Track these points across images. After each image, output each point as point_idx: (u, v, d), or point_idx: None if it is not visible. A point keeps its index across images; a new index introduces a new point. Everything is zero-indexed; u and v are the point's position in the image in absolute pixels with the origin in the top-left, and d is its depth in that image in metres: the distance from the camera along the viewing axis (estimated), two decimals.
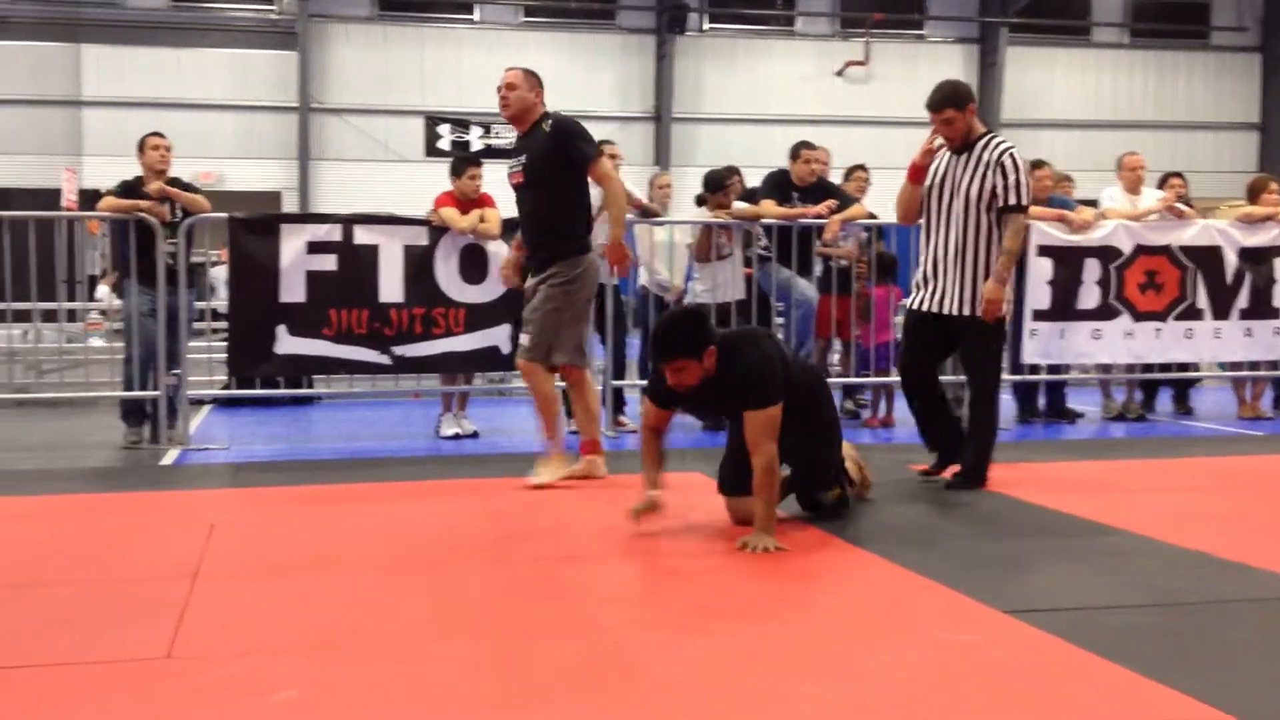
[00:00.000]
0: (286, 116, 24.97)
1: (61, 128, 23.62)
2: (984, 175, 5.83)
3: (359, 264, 7.66)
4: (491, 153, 24.06)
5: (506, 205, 8.10)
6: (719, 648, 3.40)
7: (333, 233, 7.68)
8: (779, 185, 8.70)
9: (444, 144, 25.07)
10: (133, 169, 7.97)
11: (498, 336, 7.86)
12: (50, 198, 17.12)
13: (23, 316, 10.05)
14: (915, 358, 6.18)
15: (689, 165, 23.62)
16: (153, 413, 7.72)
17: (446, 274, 7.79)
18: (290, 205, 24.34)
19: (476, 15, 25.70)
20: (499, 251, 7.78)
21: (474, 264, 7.83)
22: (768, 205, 8.56)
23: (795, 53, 26.06)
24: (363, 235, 7.70)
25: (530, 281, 6.23)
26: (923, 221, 6.13)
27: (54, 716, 2.91)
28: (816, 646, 3.45)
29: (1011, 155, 5.84)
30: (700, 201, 9.02)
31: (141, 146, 7.86)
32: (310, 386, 10.02)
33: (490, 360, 8.03)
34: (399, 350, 7.74)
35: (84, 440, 8.13)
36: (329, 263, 7.64)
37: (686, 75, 26.04)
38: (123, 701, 3.01)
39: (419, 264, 7.74)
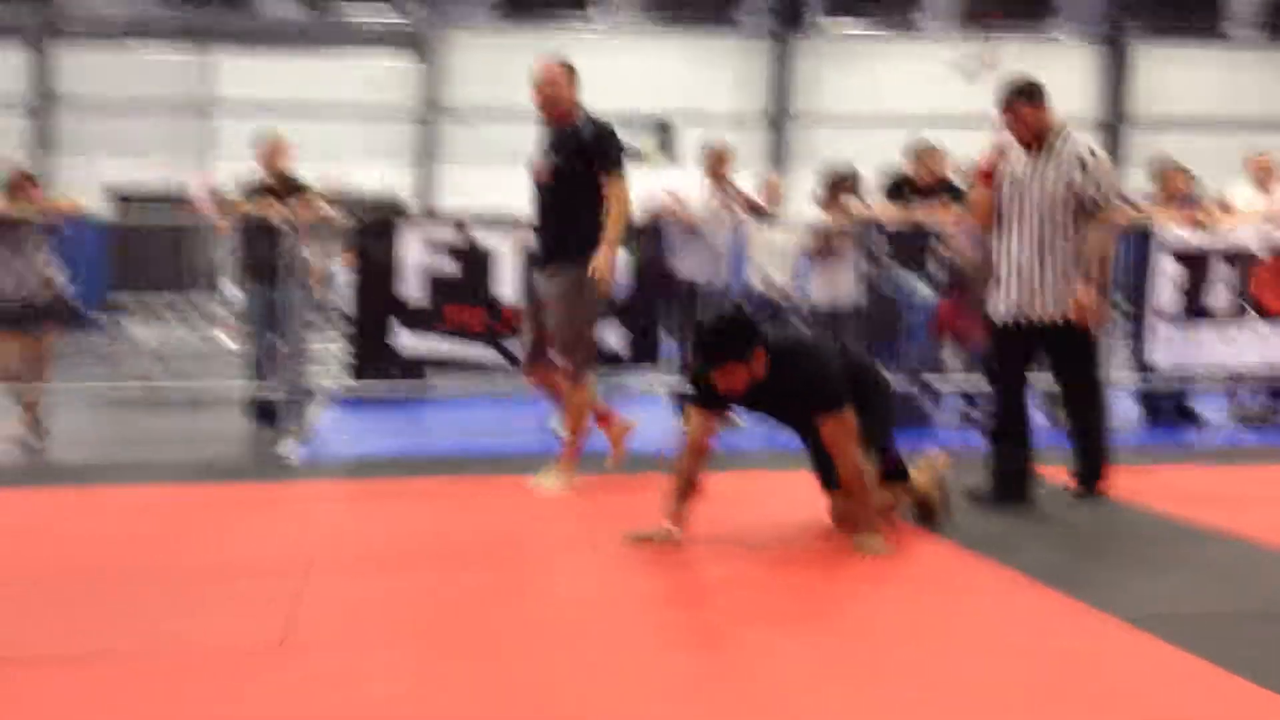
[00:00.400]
0: (411, 121, 25.44)
1: (197, 131, 24.35)
2: (1063, 173, 5.55)
3: (478, 265, 7.77)
4: None
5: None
6: (821, 651, 3.37)
7: (452, 234, 7.80)
8: (897, 186, 8.60)
9: None
10: (261, 172, 8.19)
11: (610, 334, 7.89)
12: (182, 201, 17.64)
13: (156, 314, 10.39)
14: (1006, 373, 5.80)
15: (807, 167, 23.47)
16: (276, 409, 7.92)
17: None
18: (413, 207, 24.77)
19: (595, 18, 25.87)
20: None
21: None
22: (885, 207, 8.47)
23: (916, 53, 25.73)
24: (483, 237, 7.81)
25: (543, 284, 6.03)
26: (997, 226, 5.82)
27: (173, 700, 3.00)
28: (929, 653, 3.39)
29: (1092, 150, 5.56)
30: (817, 202, 8.95)
31: (265, 151, 8.10)
32: (429, 384, 10.16)
33: (602, 357, 8.04)
34: (514, 348, 7.82)
35: (211, 435, 8.36)
36: (448, 263, 7.77)
37: (805, 76, 25.88)
38: (237, 687, 3.09)
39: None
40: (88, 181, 21.33)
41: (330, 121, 24.71)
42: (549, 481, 5.90)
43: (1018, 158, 5.73)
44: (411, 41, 25.43)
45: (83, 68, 24.00)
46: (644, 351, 8.12)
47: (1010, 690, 3.08)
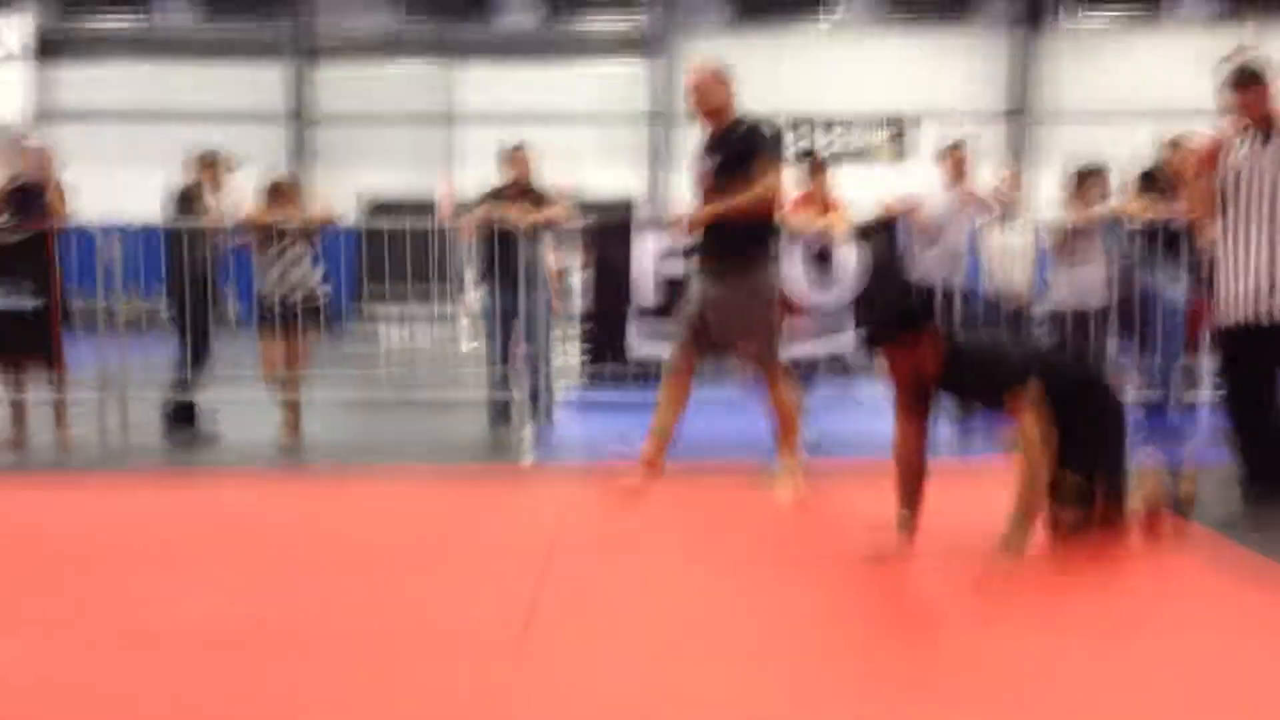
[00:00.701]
0: (644, 125, 25.77)
1: (441, 141, 25.28)
2: None
3: None
4: (841, 155, 23.99)
5: (855, 207, 8.09)
6: (1073, 649, 3.25)
7: (685, 239, 7.85)
8: (1147, 183, 8.23)
9: (796, 148, 25.18)
10: (500, 180, 8.45)
11: (844, 342, 7.82)
12: (427, 208, 18.35)
13: (403, 319, 10.84)
14: (1243, 382, 5.40)
15: (1049, 164, 22.70)
16: (514, 409, 8.16)
17: (793, 278, 7.81)
18: (646, 211, 25.08)
19: (833, 18, 25.66)
20: (846, 255, 7.76)
21: (821, 268, 7.82)
22: (1133, 204, 8.12)
23: (1163, 43, 24.56)
24: None
25: (709, 290, 5.87)
26: (1221, 219, 5.42)
27: (425, 680, 3.13)
28: (1185, 657, 3.24)
29: None
30: (1063, 199, 8.65)
31: (505, 158, 8.36)
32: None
33: (835, 366, 7.99)
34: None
35: (454, 433, 8.65)
36: (680, 267, 7.83)
37: (1047, 70, 25.05)
38: (479, 674, 3.21)
39: None
40: (343, 190, 22.44)
41: (566, 127, 25.27)
42: (784, 490, 5.83)
43: (1246, 144, 5.33)
44: (645, 47, 25.75)
45: (337, 83, 25.25)
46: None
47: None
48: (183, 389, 8.13)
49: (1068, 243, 8.15)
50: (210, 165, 8.33)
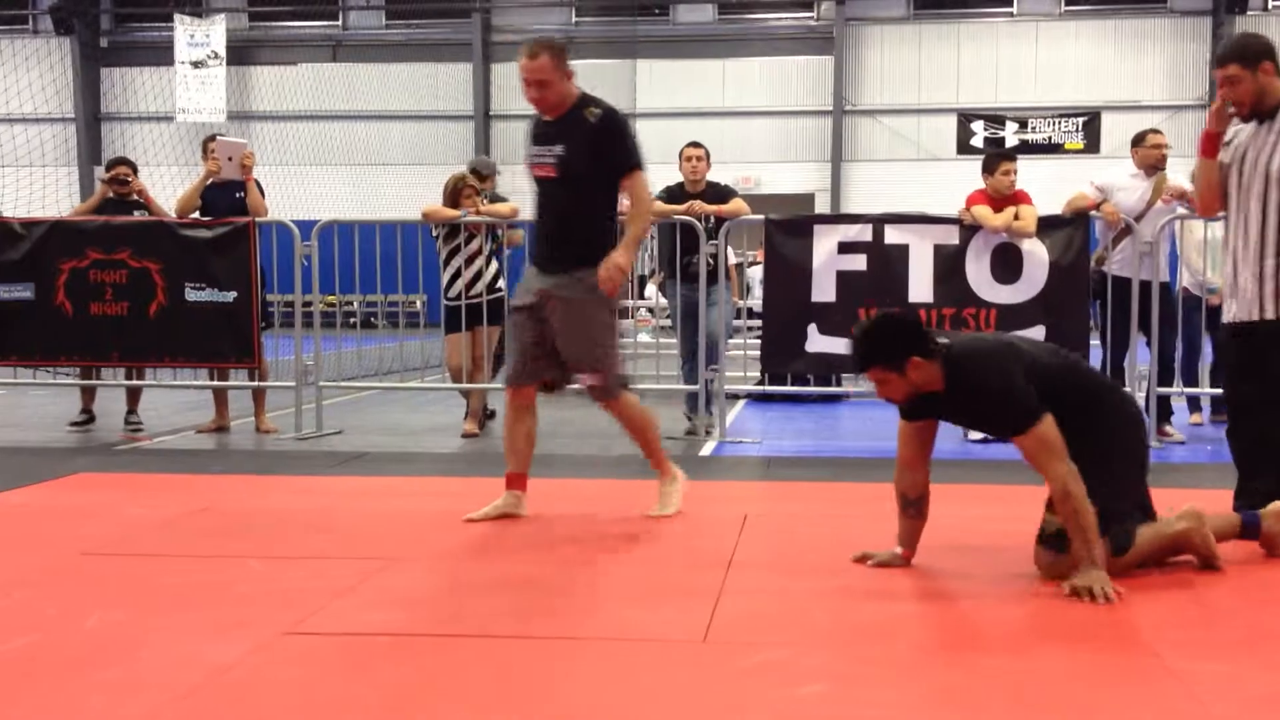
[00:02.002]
0: (820, 119, 25.57)
1: None
2: None
3: (889, 264, 7.69)
4: (1027, 148, 23.38)
5: (1041, 201, 7.86)
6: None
7: (863, 233, 7.76)
8: None
9: (977, 141, 24.65)
10: (678, 176, 8.49)
11: (1031, 338, 7.61)
12: None
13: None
14: (1239, 388, 4.94)
15: None
16: (693, 405, 8.19)
17: (978, 273, 7.64)
18: (823, 206, 24.89)
19: (1015, 8, 25.02)
20: (1034, 250, 7.55)
21: (1007, 263, 7.62)
22: None
23: None
24: (893, 235, 7.72)
25: (546, 284, 5.23)
26: (1226, 209, 4.96)
27: (599, 686, 3.16)
28: None
29: None
30: None
31: (680, 157, 8.40)
32: (839, 384, 10.21)
33: None
34: None
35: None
36: (859, 262, 7.73)
37: None
38: (660, 679, 3.21)
39: (950, 263, 7.64)
40: (524, 189, 22.82)
41: (744, 123, 25.25)
42: (668, 505, 5.38)
43: (1246, 129, 4.87)
44: (823, 40, 25.53)
45: (516, 81, 25.69)
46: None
47: None
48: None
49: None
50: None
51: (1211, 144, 4.94)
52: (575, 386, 5.43)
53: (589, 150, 5.14)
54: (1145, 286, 7.67)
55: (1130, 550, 4.12)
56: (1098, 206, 7.77)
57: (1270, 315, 4.75)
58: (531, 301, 5.26)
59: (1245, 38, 4.95)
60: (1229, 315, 4.94)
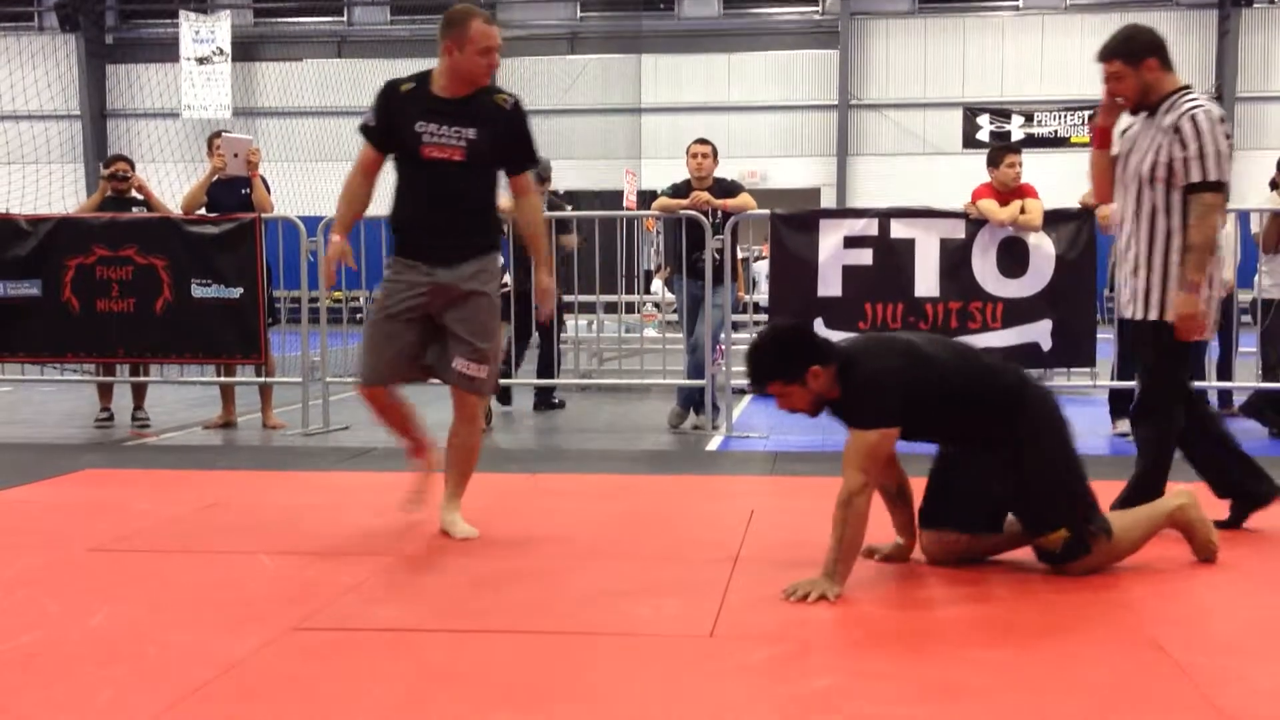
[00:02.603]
0: (826, 114, 25.55)
1: (624, 133, 25.53)
2: (1159, 145, 4.60)
3: (895, 258, 7.68)
4: (1032, 141, 23.36)
5: (1047, 195, 7.84)
6: None
7: (869, 227, 7.75)
8: None
9: (982, 135, 24.63)
10: (684, 171, 8.48)
11: (1038, 332, 7.60)
12: (613, 199, 18.57)
13: (587, 308, 10.98)
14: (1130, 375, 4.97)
15: (1256, 148, 21.67)
16: (698, 401, 8.19)
17: (984, 267, 7.63)
18: (829, 200, 24.88)
19: (1020, 1, 24.99)
20: (1040, 244, 7.54)
21: (1013, 257, 7.61)
22: None
23: None
24: (899, 229, 7.71)
25: (445, 278, 4.77)
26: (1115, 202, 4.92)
27: (607, 680, 3.16)
28: None
29: (1194, 118, 4.55)
30: (1274, 186, 8.25)
31: (688, 153, 8.39)
32: None
33: (1029, 357, 7.76)
34: None
35: (639, 424, 8.74)
36: (865, 257, 7.72)
37: (1253, 51, 23.93)
38: (667, 674, 3.21)
39: (956, 257, 7.64)
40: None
41: (750, 117, 25.23)
42: (458, 525, 4.90)
43: (1136, 123, 4.83)
44: (828, 34, 25.51)
45: (520, 77, 25.71)
46: (1076, 351, 7.74)
47: None
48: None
49: (1276, 232, 7.77)
50: None
51: (1102, 136, 4.93)
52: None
53: (500, 137, 4.76)
54: None
55: (1116, 534, 4.11)
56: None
57: (1138, 316, 4.72)
58: (418, 303, 4.79)
59: (1131, 32, 4.87)
60: (1122, 305, 4.91)
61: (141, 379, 8.72)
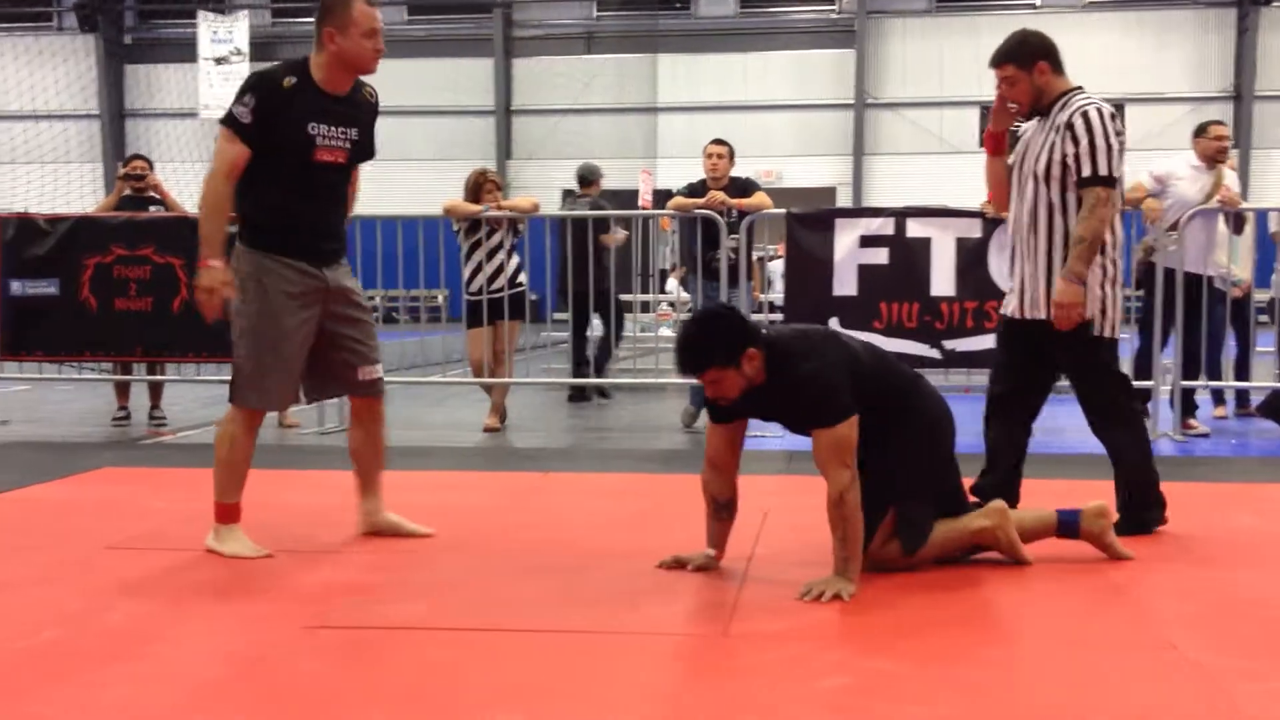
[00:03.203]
0: (841, 113, 25.51)
1: (640, 132, 25.53)
2: (1053, 143, 4.67)
3: (911, 257, 7.67)
4: None
5: None
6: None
7: (885, 226, 7.73)
8: None
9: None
10: (700, 170, 8.48)
11: None
12: (629, 198, 18.57)
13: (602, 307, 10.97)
14: (1003, 379, 4.95)
15: (1275, 146, 21.58)
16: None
17: (1000, 266, 7.59)
18: (844, 200, 24.84)
19: (1037, 0, 24.90)
20: None
21: None
22: None
23: None
24: (915, 228, 7.70)
25: (333, 279, 4.59)
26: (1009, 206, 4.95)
27: (619, 679, 3.17)
28: None
29: (1085, 115, 4.62)
30: None
31: (705, 153, 8.39)
32: None
33: None
34: (949, 344, 7.67)
35: (655, 423, 8.74)
36: (881, 256, 7.71)
37: (1272, 49, 23.79)
38: (681, 673, 3.22)
39: (972, 256, 7.62)
40: (545, 182, 22.89)
41: (765, 116, 25.19)
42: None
43: (1030, 127, 4.88)
44: (844, 33, 25.46)
45: (537, 76, 25.73)
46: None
47: None
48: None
49: None
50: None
51: (994, 142, 4.98)
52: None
53: (368, 135, 4.65)
54: (1185, 278, 7.66)
55: (923, 548, 4.14)
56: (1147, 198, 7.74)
57: (1043, 316, 4.72)
58: (312, 313, 4.55)
59: (1023, 36, 4.89)
60: (1008, 309, 4.90)
61: (158, 378, 8.76)
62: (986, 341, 7.63)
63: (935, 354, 7.71)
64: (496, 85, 25.97)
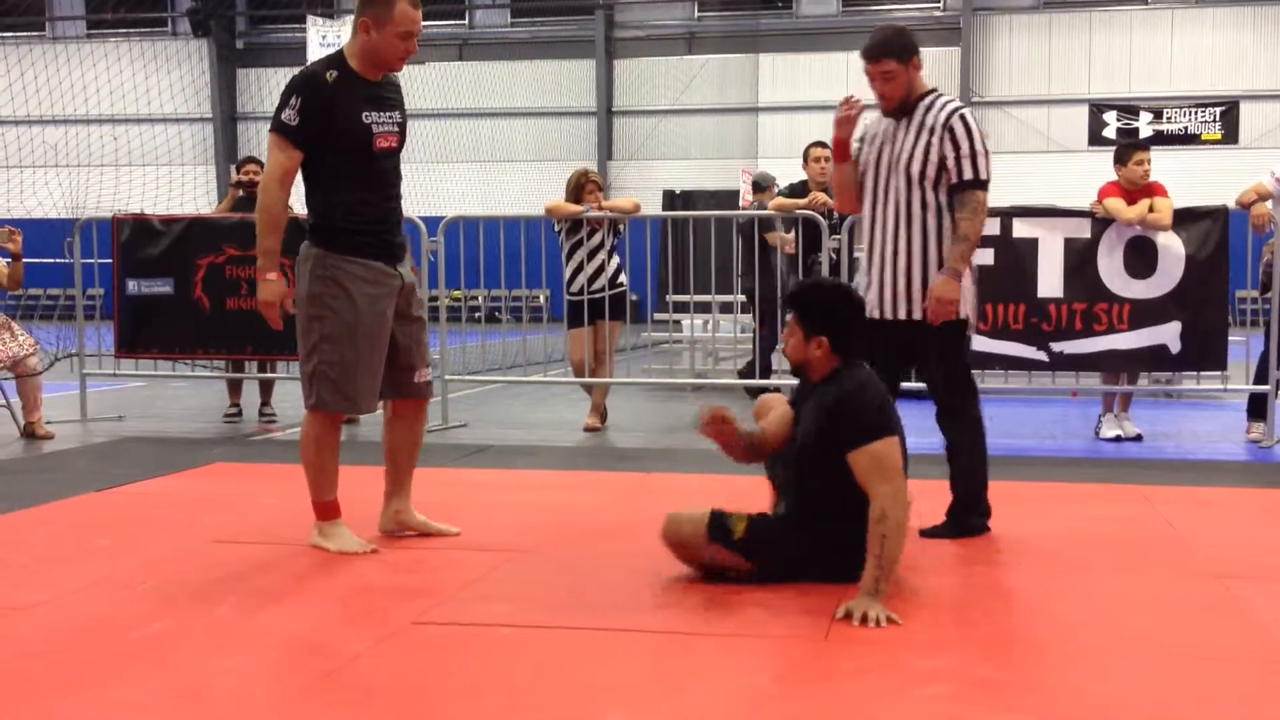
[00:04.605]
0: None
1: (741, 132, 25.45)
2: (928, 144, 4.68)
3: (1017, 258, 7.53)
4: (1161, 139, 22.73)
5: (1177, 193, 7.62)
6: None
7: (991, 226, 7.56)
8: None
9: (1109, 132, 24.04)
10: (800, 171, 8.44)
11: (1166, 334, 7.39)
12: (729, 198, 18.52)
13: (703, 308, 10.96)
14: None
15: None
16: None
17: (1110, 268, 7.45)
18: None
19: None
20: (1169, 244, 7.34)
21: (1141, 257, 7.41)
22: None
23: None
24: (1021, 229, 7.56)
25: (403, 276, 4.59)
26: (864, 207, 4.90)
27: (720, 681, 3.16)
28: None
29: (963, 117, 4.69)
30: None
31: (805, 157, 8.33)
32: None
33: (1157, 359, 7.58)
34: (1057, 347, 7.52)
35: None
36: (986, 256, 7.50)
37: None
38: (781, 676, 3.20)
39: (1081, 257, 7.46)
40: (645, 184, 22.94)
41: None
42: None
43: (880, 126, 4.88)
44: (949, 31, 25.12)
45: (638, 77, 25.79)
46: (1206, 354, 7.51)
47: None
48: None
49: None
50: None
51: (841, 149, 4.97)
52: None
53: (405, 118, 4.60)
54: None
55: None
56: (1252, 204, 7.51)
57: (916, 316, 4.74)
58: (393, 301, 4.54)
59: (894, 31, 4.85)
60: (871, 310, 4.78)
61: (269, 375, 8.93)
62: (1097, 344, 7.48)
63: (1042, 356, 7.57)
64: (598, 86, 26.08)
